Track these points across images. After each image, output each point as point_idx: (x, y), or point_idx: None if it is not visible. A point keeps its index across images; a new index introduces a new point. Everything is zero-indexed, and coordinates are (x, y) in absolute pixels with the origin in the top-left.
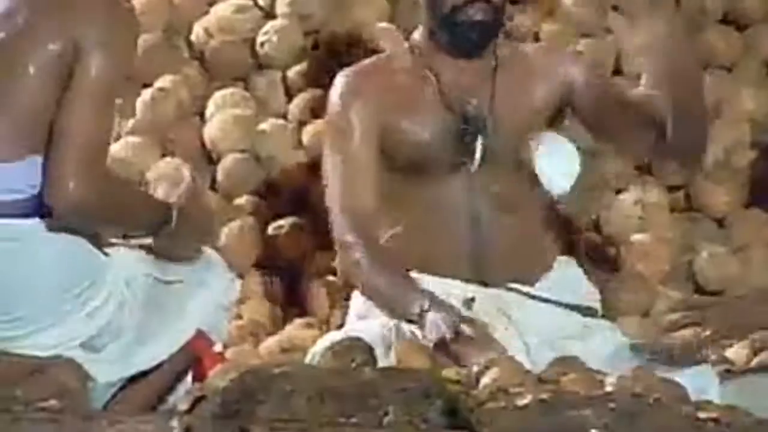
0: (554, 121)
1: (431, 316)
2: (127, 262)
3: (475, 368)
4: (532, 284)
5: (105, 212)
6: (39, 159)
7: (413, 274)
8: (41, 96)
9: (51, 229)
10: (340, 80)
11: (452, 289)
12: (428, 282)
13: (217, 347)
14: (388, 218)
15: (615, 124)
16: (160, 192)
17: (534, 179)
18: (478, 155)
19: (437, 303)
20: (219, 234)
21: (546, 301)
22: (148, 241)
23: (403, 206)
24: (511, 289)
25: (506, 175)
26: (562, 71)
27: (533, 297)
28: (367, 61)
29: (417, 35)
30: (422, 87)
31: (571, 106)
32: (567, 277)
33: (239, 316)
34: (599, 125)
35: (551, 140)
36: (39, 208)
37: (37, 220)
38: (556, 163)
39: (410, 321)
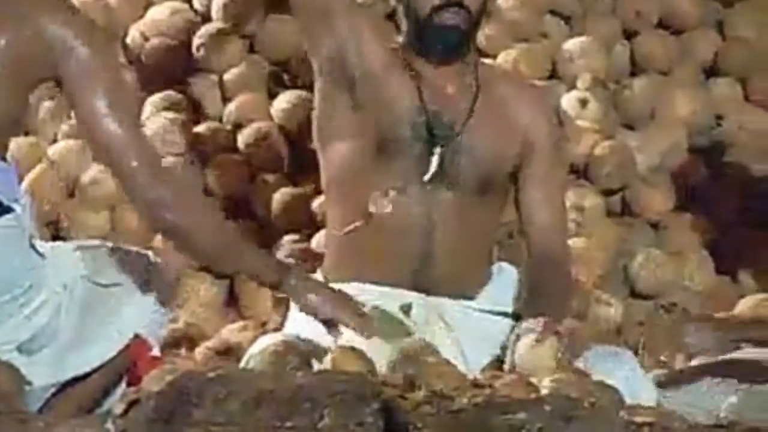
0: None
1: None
2: (64, 264)
3: (411, 371)
4: (472, 298)
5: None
6: None
7: (354, 283)
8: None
9: None
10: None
11: (391, 295)
12: (368, 289)
13: (154, 351)
14: (342, 217)
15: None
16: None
17: (493, 208)
18: (433, 166)
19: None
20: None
21: (485, 312)
22: (86, 242)
23: (359, 208)
24: (454, 300)
25: (464, 195)
26: (528, 132)
27: (474, 309)
28: None
29: (400, 40)
30: (402, 77)
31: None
32: (503, 284)
33: (175, 320)
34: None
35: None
36: None
37: None
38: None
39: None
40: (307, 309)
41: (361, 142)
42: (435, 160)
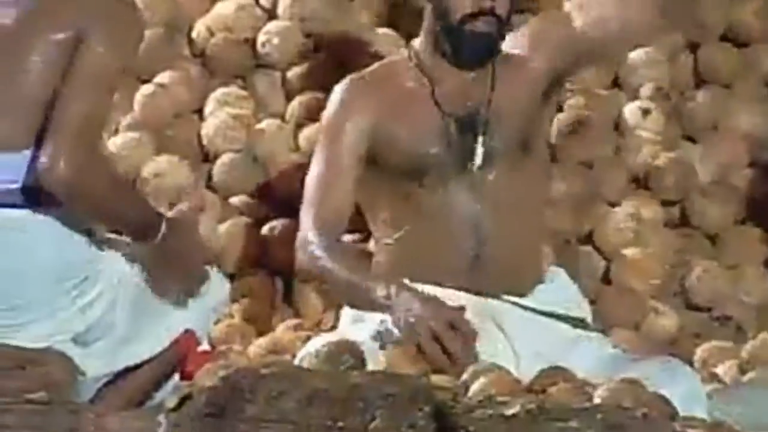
0: (551, 92)
1: (403, 301)
2: (120, 258)
3: (465, 376)
4: (525, 295)
5: (93, 198)
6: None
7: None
8: (42, 87)
9: (48, 220)
10: (339, 87)
11: (445, 298)
12: (421, 290)
13: (204, 346)
14: (391, 224)
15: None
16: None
17: (537, 176)
18: (479, 154)
19: (406, 288)
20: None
21: (538, 312)
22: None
23: (406, 212)
24: (505, 300)
25: (509, 175)
26: (545, 58)
27: (526, 308)
28: (368, 69)
29: (417, 43)
30: (419, 95)
31: (566, 76)
32: (558, 288)
33: (231, 316)
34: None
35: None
36: (36, 198)
37: (33, 210)
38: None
39: (377, 309)
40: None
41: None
42: (479, 149)
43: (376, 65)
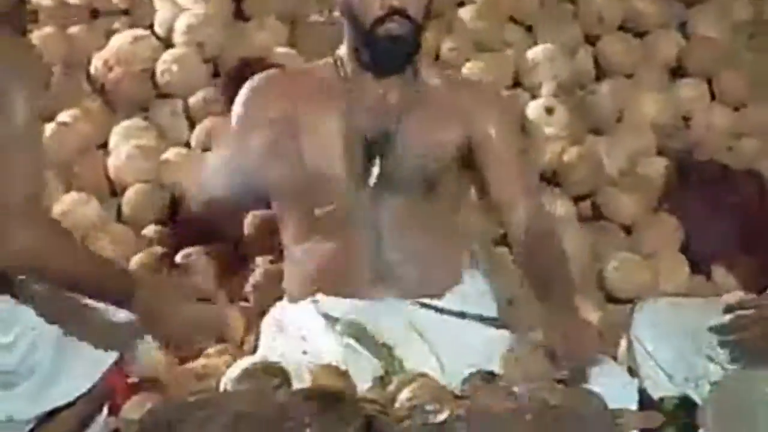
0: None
1: None
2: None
3: (391, 387)
4: (440, 297)
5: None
6: None
7: (318, 296)
8: None
9: None
10: (250, 81)
11: (360, 307)
12: (332, 302)
13: (132, 378)
14: (298, 237)
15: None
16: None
17: (444, 204)
18: (374, 174)
19: None
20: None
21: (456, 314)
22: None
23: (311, 226)
24: (422, 305)
25: (410, 197)
26: (471, 118)
27: (443, 311)
28: (286, 68)
29: (341, 52)
30: (333, 100)
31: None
32: (476, 289)
33: (156, 345)
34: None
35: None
36: None
37: None
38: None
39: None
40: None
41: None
42: (375, 170)
43: (296, 66)
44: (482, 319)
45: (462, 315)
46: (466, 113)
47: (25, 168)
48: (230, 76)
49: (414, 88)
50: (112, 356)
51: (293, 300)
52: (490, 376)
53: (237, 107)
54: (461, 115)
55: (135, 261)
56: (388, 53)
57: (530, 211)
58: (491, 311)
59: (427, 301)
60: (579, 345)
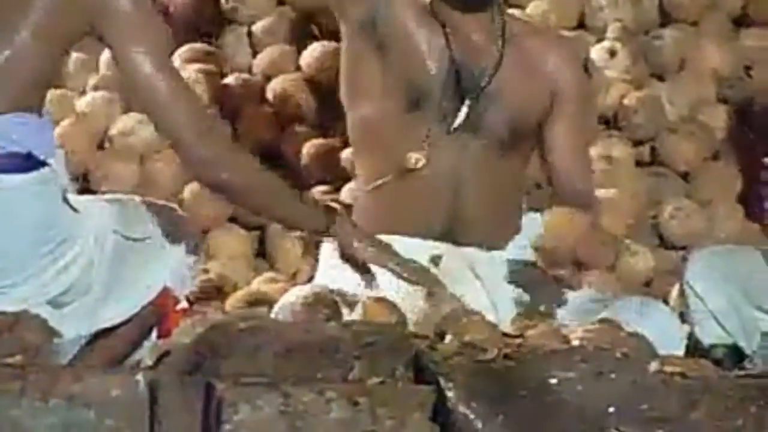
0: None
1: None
2: (95, 217)
3: (442, 323)
4: (502, 248)
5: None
6: (26, 116)
7: (383, 236)
8: (36, 55)
9: (24, 184)
10: None
11: (422, 246)
12: (397, 241)
13: (182, 303)
14: (372, 172)
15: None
16: None
17: (521, 157)
18: (461, 117)
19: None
20: None
21: (517, 263)
22: (116, 196)
23: (389, 162)
24: (483, 250)
25: (493, 145)
26: (556, 77)
27: (507, 261)
28: None
29: None
30: (432, 30)
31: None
32: (531, 233)
33: (206, 271)
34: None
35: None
36: (17, 163)
37: (11, 175)
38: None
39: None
40: (351, 255)
41: (390, 102)
42: (463, 111)
43: None
44: (536, 263)
45: (522, 264)
46: (553, 72)
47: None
48: (293, 7)
49: (498, 31)
50: (164, 279)
51: None
52: (540, 316)
53: None
54: (549, 74)
55: (191, 186)
56: None
57: (578, 189)
58: None
59: (491, 252)
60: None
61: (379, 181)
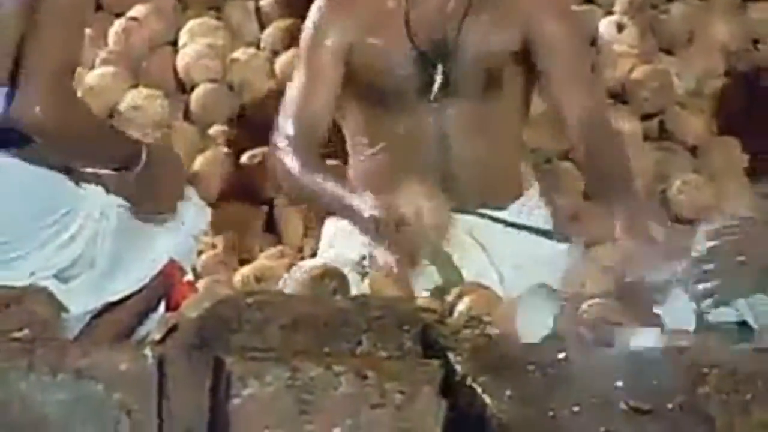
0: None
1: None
2: (101, 190)
3: (450, 297)
4: (503, 209)
5: (71, 138)
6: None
7: None
8: (13, 22)
9: (25, 157)
10: (318, 3)
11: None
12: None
13: (189, 277)
14: (365, 144)
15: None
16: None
17: (508, 109)
18: (437, 83)
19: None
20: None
21: (518, 226)
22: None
23: (379, 134)
24: (483, 216)
25: (474, 103)
26: (529, 19)
27: (505, 223)
28: None
29: None
30: (395, 16)
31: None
32: (539, 203)
33: (214, 246)
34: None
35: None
36: (9, 139)
37: (8, 148)
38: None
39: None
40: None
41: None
42: (438, 78)
43: None
44: (544, 232)
45: (524, 228)
46: (524, 14)
47: (63, 45)
48: None
49: None
50: (169, 251)
51: None
52: (549, 291)
53: (304, 36)
54: (519, 16)
55: (199, 160)
56: None
57: (591, 109)
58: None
59: (489, 212)
60: (641, 263)
61: (372, 150)
